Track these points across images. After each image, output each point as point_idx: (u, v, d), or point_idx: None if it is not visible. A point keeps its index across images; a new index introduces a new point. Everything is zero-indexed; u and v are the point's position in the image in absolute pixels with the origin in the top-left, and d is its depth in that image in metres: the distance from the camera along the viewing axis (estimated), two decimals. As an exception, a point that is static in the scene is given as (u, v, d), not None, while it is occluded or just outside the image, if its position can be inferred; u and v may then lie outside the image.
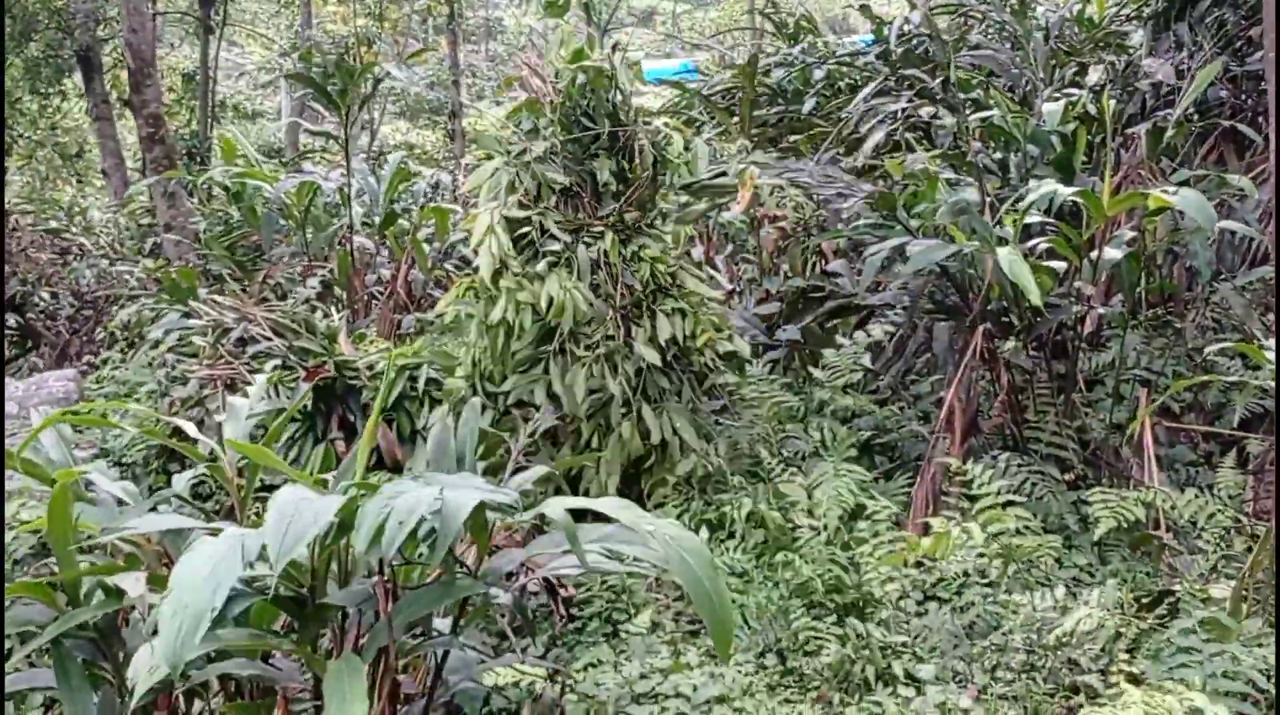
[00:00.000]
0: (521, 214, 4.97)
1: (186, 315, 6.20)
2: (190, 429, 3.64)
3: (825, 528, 4.58)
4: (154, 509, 3.74)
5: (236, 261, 7.72)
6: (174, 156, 12.17)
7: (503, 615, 3.51)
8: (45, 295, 8.38)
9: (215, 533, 2.69)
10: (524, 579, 3.09)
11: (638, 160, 5.03)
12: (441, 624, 3.18)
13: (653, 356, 4.94)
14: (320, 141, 27.62)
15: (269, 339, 5.67)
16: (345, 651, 2.93)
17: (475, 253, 4.93)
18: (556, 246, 4.95)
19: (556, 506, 2.71)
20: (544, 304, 4.80)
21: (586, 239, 5.02)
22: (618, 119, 5.00)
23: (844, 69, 9.32)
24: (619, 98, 5.01)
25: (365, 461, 3.24)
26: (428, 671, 3.27)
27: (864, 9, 10.43)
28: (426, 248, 7.56)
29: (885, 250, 5.30)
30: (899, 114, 7.08)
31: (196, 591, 2.43)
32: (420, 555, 2.98)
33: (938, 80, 7.32)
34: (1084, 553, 4.65)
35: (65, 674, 2.99)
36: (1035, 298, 4.44)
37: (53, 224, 11.32)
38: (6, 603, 3.11)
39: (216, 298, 5.84)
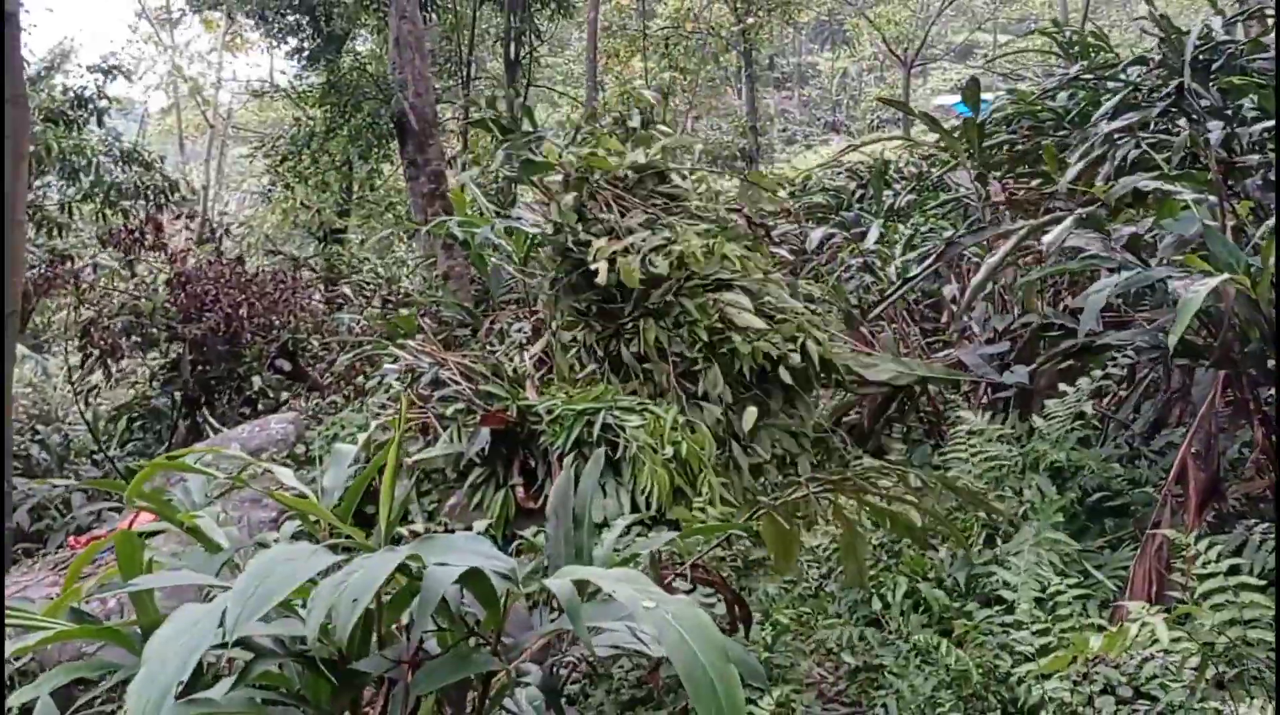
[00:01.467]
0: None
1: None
2: (285, 476, 3.58)
3: (1015, 605, 3.92)
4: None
5: (468, 308, 7.92)
6: (453, 210, 12.87)
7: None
8: (315, 342, 9.01)
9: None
10: (558, 655, 2.76)
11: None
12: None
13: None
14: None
15: (458, 383, 5.67)
16: (376, 721, 2.73)
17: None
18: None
19: (561, 581, 2.38)
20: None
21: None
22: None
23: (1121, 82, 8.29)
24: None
25: (390, 515, 3.02)
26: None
27: (1163, 19, 9.32)
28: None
29: (1110, 287, 4.55)
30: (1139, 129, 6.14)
31: (164, 663, 2.29)
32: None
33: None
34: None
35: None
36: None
37: (354, 277, 12.20)
38: (88, 646, 3.16)
39: (409, 342, 5.91)
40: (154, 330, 8.21)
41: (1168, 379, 5.35)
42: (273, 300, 8.35)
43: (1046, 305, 5.98)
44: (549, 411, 5.56)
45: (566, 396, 5.71)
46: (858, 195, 14.81)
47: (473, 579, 2.47)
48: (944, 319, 8.26)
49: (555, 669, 3.14)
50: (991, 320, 5.95)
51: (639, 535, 5.25)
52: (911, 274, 5.16)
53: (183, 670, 2.27)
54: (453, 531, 5.53)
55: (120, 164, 16.47)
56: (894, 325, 7.50)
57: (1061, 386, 5.14)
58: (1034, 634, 3.78)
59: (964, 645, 3.64)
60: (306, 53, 21.10)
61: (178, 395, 8.73)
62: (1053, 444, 4.89)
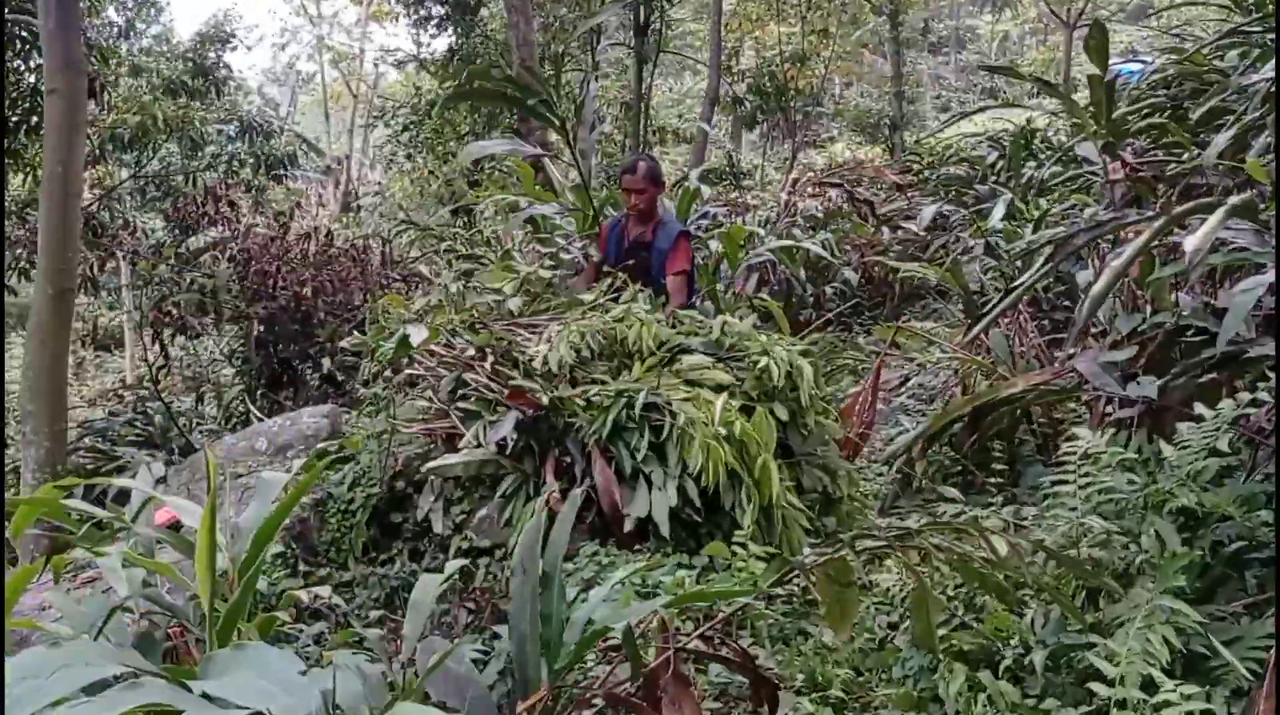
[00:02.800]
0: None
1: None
2: (185, 510, 3.01)
3: (1120, 681, 3.07)
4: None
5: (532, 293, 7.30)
6: (554, 186, 12.30)
7: None
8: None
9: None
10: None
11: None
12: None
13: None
14: (752, 160, 27.57)
15: (484, 383, 5.05)
16: None
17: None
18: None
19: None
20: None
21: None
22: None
23: None
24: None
25: (209, 543, 2.37)
26: None
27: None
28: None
29: (1262, 286, 3.62)
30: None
31: None
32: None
33: None
34: None
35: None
36: None
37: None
38: None
39: (434, 349, 5.33)
40: (223, 309, 7.91)
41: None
42: (343, 279, 7.93)
43: (1189, 293, 4.96)
44: (586, 399, 4.89)
45: (603, 385, 5.04)
46: (997, 167, 13.57)
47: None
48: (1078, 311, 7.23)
49: None
50: (1118, 319, 4.98)
51: (673, 543, 4.57)
52: (1018, 282, 4.24)
53: None
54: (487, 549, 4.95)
55: (244, 134, 16.53)
56: (1007, 320, 6.54)
57: (1199, 408, 4.19)
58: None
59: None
60: (435, 20, 20.84)
61: (252, 374, 8.45)
62: (1181, 482, 3.95)
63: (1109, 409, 5.13)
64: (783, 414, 5.29)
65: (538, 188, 7.10)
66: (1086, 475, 4.33)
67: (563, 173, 8.62)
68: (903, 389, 9.08)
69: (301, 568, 5.00)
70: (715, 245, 7.45)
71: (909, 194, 12.96)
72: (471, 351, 5.19)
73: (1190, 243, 3.71)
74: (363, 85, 36.76)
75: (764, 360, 5.13)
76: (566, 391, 5.01)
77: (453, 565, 3.34)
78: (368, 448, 5.44)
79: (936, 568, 4.09)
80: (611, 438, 4.81)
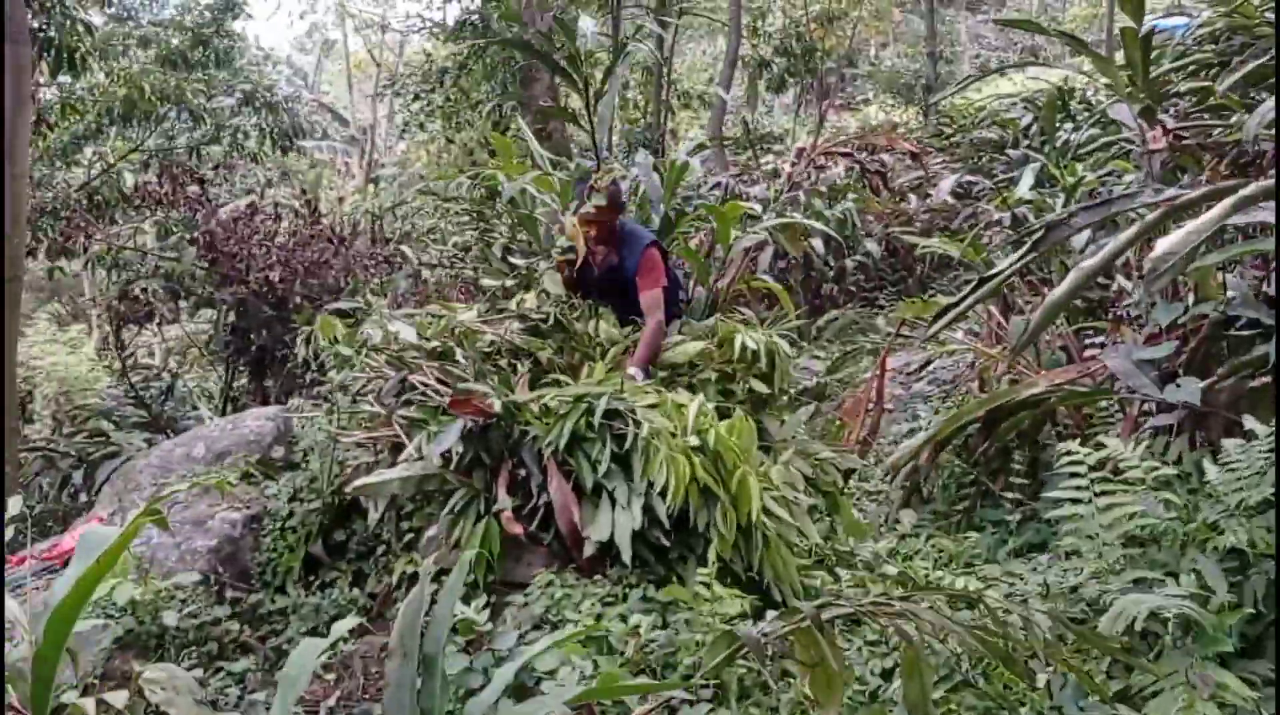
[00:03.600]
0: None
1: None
2: None
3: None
4: None
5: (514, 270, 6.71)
6: (562, 152, 11.70)
7: None
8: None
9: None
10: None
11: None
12: None
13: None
14: (783, 125, 26.71)
15: (429, 386, 4.49)
16: None
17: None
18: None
19: None
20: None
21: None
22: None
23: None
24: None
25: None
26: None
27: None
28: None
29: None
30: None
31: None
32: None
33: None
34: None
35: None
36: None
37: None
38: None
39: (378, 350, 4.77)
40: (192, 294, 7.40)
41: None
42: (317, 262, 7.38)
43: (1237, 277, 4.28)
44: (541, 406, 4.31)
45: (560, 387, 4.45)
46: (1032, 130, 12.77)
47: None
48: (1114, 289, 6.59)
49: None
50: (1156, 308, 4.31)
51: (639, 570, 4.00)
52: (996, 270, 3.60)
53: None
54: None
55: (246, 106, 16.01)
56: (1029, 303, 5.88)
57: (1249, 421, 3.55)
58: None
59: None
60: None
61: (228, 362, 7.96)
62: (1228, 512, 3.32)
63: (1147, 410, 4.48)
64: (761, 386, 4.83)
65: (516, 162, 6.48)
66: (1106, 494, 3.71)
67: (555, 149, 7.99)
68: (924, 373, 8.43)
69: (230, 595, 4.48)
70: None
71: (933, 161, 12.20)
72: (413, 352, 4.62)
73: (1163, 245, 3.08)
74: (388, 53, 36.18)
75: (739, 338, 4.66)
76: (522, 396, 4.43)
77: (341, 627, 2.79)
78: (312, 455, 4.91)
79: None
80: (570, 449, 4.24)
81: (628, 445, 4.16)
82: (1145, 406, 4.40)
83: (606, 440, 4.18)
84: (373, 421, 4.68)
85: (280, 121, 15.80)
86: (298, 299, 7.72)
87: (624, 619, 3.71)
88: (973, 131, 15.01)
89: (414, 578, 4.46)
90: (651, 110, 20.66)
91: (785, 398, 5.24)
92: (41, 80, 11.26)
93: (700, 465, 4.06)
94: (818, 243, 10.82)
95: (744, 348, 4.98)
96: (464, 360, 4.65)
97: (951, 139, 15.87)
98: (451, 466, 4.27)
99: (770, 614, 4.07)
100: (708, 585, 3.60)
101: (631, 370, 4.86)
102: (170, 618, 3.97)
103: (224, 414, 8.14)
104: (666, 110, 21.08)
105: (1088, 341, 5.63)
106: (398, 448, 4.59)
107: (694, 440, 4.15)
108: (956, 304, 3.49)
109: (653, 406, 4.26)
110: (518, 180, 5.93)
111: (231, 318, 7.65)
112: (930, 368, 8.31)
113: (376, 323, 5.23)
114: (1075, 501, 3.68)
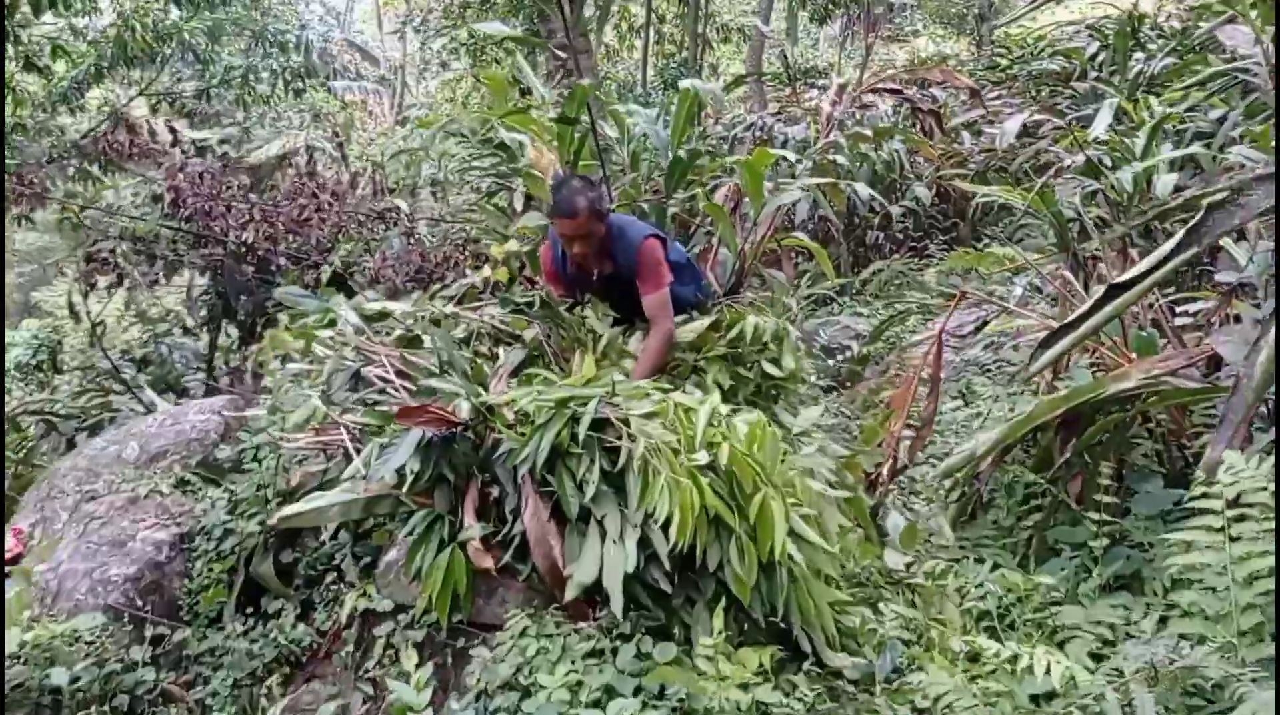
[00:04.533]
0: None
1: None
2: None
3: None
4: None
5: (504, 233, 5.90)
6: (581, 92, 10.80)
7: None
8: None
9: None
10: None
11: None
12: None
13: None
14: (826, 60, 25.44)
15: (389, 383, 3.71)
16: None
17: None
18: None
19: None
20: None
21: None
22: None
23: None
24: None
25: None
26: None
27: None
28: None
29: None
30: None
31: None
32: None
33: None
34: None
35: None
36: None
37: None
38: None
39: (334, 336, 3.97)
40: (165, 256, 6.66)
41: None
42: (298, 220, 6.58)
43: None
44: (516, 409, 3.49)
45: (545, 385, 3.63)
46: (1099, 60, 11.61)
47: None
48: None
49: None
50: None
51: (635, 612, 3.24)
52: (1131, 274, 2.72)
53: None
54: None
55: (257, 46, 15.24)
56: (1114, 268, 4.97)
57: None
58: None
59: None
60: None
61: (210, 328, 7.26)
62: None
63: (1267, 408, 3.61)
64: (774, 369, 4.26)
65: (514, 105, 5.63)
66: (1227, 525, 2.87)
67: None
68: (978, 337, 7.52)
69: (151, 631, 3.77)
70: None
71: (989, 95, 11.15)
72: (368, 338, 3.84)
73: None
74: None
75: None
76: (497, 396, 3.63)
77: None
78: (255, 461, 4.17)
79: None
80: (552, 466, 3.44)
81: (621, 462, 3.36)
82: (1265, 405, 3.52)
83: (596, 455, 3.37)
84: (325, 420, 3.90)
85: (292, 61, 15.01)
86: (281, 261, 6.96)
87: (610, 693, 2.95)
88: (1032, 63, 13.82)
89: (367, 615, 3.74)
90: (688, 45, 19.57)
91: (802, 385, 4.44)
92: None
93: (711, 488, 3.25)
94: (861, 187, 9.89)
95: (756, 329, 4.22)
96: (433, 347, 3.84)
97: (1008, 71, 14.69)
98: (406, 487, 3.50)
99: (797, 669, 3.34)
100: (710, 658, 2.81)
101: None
102: (59, 675, 3.26)
103: (209, 393, 7.48)
104: (704, 44, 19.98)
105: (1178, 313, 4.74)
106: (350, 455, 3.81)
107: (703, 456, 3.33)
108: (1073, 324, 2.64)
109: (651, 413, 3.44)
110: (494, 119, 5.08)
111: (208, 283, 6.91)
112: (987, 329, 7.40)
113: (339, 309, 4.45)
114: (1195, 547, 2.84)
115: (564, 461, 3.44)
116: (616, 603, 3.17)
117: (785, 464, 3.63)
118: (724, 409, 3.58)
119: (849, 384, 7.64)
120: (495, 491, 3.60)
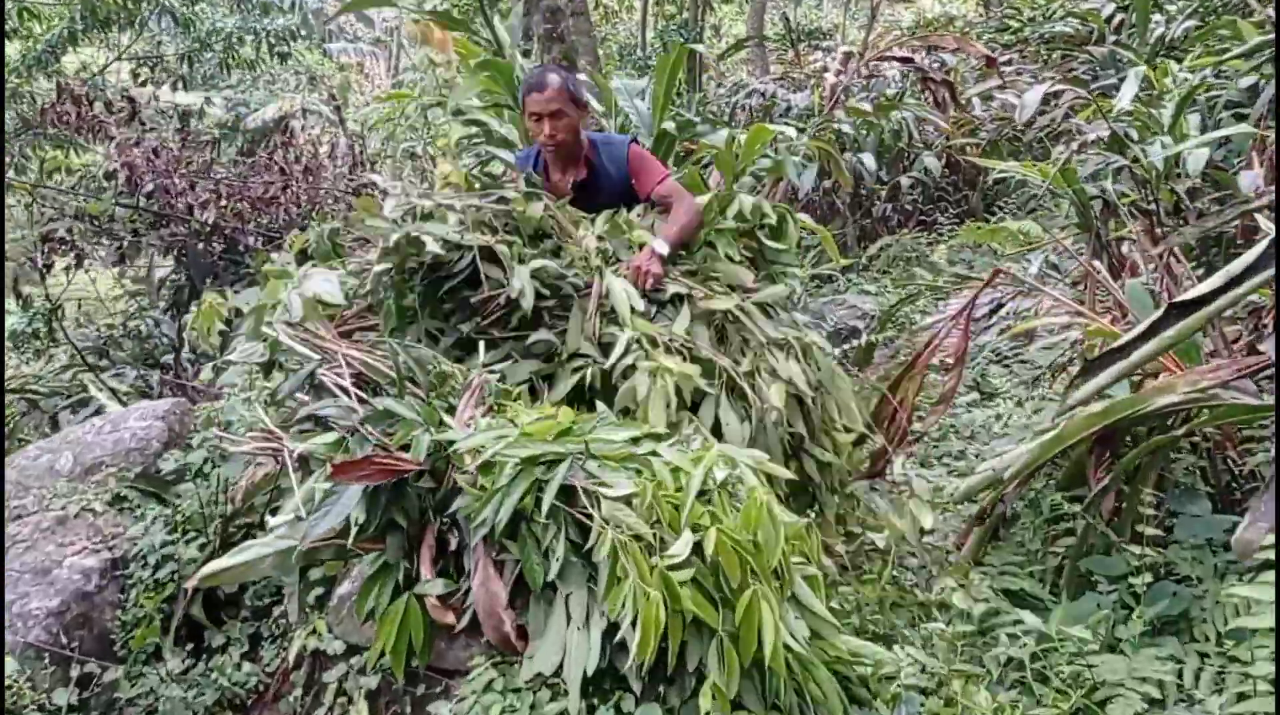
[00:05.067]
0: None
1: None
2: None
3: None
4: None
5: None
6: (574, 55, 10.31)
7: None
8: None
9: None
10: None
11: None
12: None
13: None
14: (830, 20, 24.81)
15: (344, 395, 3.28)
16: None
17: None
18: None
19: None
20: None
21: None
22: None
23: None
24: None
25: None
26: None
27: None
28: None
29: None
30: None
31: None
32: None
33: None
34: None
35: None
36: None
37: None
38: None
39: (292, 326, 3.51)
40: (123, 237, 6.22)
41: None
42: (264, 198, 6.11)
43: None
44: (476, 454, 3.04)
45: (513, 424, 3.17)
46: (1116, 22, 11.09)
47: None
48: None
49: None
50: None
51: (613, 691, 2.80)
52: (1188, 295, 2.29)
53: None
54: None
55: (238, 7, 14.76)
56: (1157, 251, 4.53)
57: None
58: None
59: None
60: None
61: (174, 314, 6.84)
62: None
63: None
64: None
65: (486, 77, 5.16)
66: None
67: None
68: (992, 320, 7.08)
69: (79, 671, 3.37)
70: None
71: (1004, 61, 10.65)
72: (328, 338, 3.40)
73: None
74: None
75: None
76: (459, 430, 3.15)
77: None
78: (199, 475, 3.76)
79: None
80: (514, 530, 2.98)
81: (592, 542, 2.87)
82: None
83: (564, 524, 2.90)
84: (276, 426, 3.46)
85: (278, 24, 14.49)
86: (250, 240, 6.51)
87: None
88: (1044, 25, 13.28)
89: (317, 655, 3.34)
90: (688, 6, 18.95)
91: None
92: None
93: (694, 579, 2.74)
94: (868, 158, 9.43)
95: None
96: (391, 355, 3.39)
97: (1019, 34, 14.14)
98: (352, 537, 3.05)
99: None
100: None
101: (656, 242, 3.69)
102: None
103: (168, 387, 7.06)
104: (705, 5, 19.36)
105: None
106: (307, 460, 3.38)
107: (686, 542, 2.79)
108: (1124, 349, 2.21)
109: (627, 496, 2.91)
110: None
111: (170, 264, 6.47)
112: (1003, 311, 6.96)
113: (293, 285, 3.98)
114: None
115: (529, 526, 2.99)
116: (574, 692, 2.73)
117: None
118: (720, 476, 3.03)
119: (860, 370, 7.23)
120: (455, 540, 3.17)
